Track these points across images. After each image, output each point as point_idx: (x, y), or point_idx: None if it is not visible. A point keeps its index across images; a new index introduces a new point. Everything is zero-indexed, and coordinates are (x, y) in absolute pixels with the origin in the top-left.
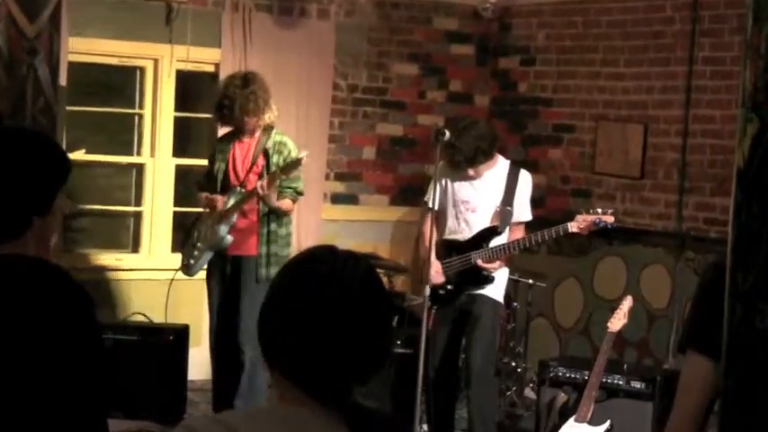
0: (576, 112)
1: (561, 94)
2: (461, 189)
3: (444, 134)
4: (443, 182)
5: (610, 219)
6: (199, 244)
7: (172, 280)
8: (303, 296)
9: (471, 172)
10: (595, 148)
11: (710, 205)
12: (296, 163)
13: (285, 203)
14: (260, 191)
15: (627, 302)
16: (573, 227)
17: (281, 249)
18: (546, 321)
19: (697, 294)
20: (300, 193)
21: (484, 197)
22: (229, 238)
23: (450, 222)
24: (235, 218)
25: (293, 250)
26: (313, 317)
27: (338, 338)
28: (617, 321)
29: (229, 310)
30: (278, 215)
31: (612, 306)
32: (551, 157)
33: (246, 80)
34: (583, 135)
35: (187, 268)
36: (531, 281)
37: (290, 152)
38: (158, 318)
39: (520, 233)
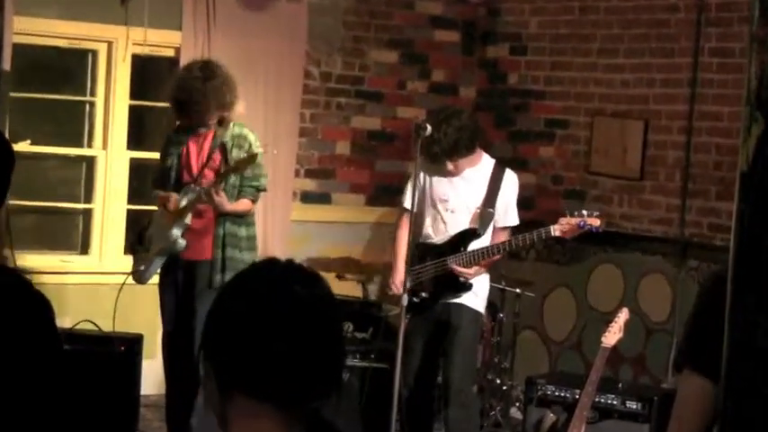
0: (570, 107)
1: (554, 86)
2: (439, 186)
3: (426, 129)
4: (422, 179)
5: (595, 222)
6: (151, 248)
7: (122, 284)
8: (241, 304)
9: (450, 166)
10: (591, 146)
11: (716, 210)
12: (249, 159)
13: (241, 204)
14: (207, 194)
15: (623, 315)
16: (556, 230)
17: (240, 253)
18: (534, 334)
19: (695, 307)
20: (263, 190)
21: (463, 196)
22: (183, 241)
23: (428, 223)
24: (188, 219)
25: (258, 253)
26: (250, 325)
27: (277, 348)
28: (612, 335)
29: (183, 320)
30: (236, 215)
31: (607, 318)
32: (542, 155)
33: (209, 70)
34: (577, 131)
35: (138, 275)
36: (518, 290)
37: (250, 146)
38: (109, 326)
39: (504, 238)
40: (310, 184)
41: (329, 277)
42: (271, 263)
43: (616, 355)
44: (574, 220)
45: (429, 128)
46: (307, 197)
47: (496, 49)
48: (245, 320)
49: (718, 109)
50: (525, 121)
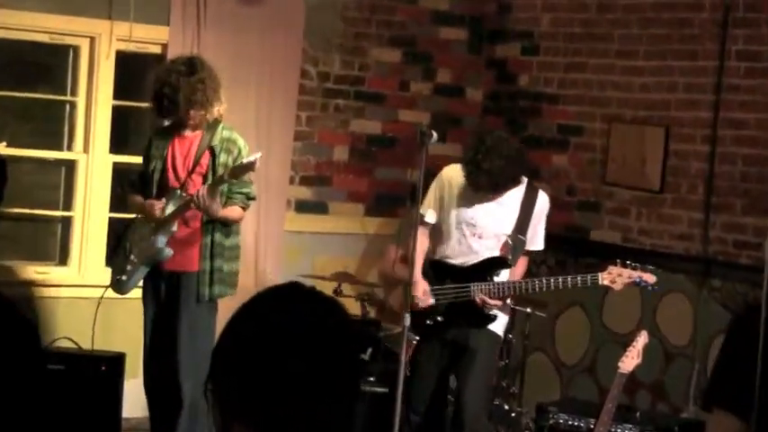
0: (585, 112)
1: (568, 89)
2: (468, 209)
3: (431, 136)
4: (446, 191)
5: (651, 279)
6: (132, 257)
7: (101, 297)
8: (262, 342)
9: (491, 196)
10: (607, 155)
11: (741, 225)
12: (246, 167)
13: (233, 211)
14: (200, 201)
15: (642, 338)
16: (604, 279)
17: (226, 264)
18: (545, 357)
19: (726, 340)
20: (252, 198)
21: (495, 223)
22: (168, 250)
23: (449, 244)
24: (175, 227)
25: (248, 266)
26: (262, 351)
27: (288, 375)
28: (630, 361)
29: (165, 337)
30: (224, 224)
31: (623, 341)
32: (555, 164)
33: (192, 66)
34: (593, 138)
35: (118, 285)
36: (528, 309)
37: (239, 151)
38: (89, 344)
39: (523, 264)
40: (305, 192)
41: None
42: (292, 288)
43: (633, 381)
44: (626, 273)
45: (435, 135)
46: (301, 206)
47: (506, 49)
48: (256, 346)
49: (744, 116)
50: (537, 126)
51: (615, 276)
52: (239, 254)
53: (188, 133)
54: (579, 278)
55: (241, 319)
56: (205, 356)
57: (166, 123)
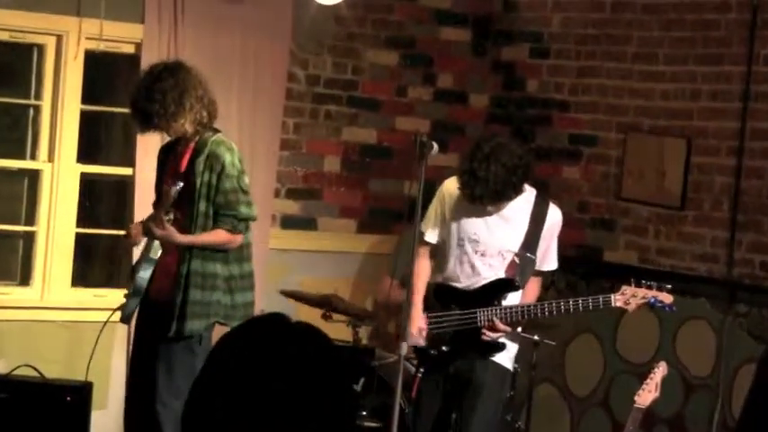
0: (599, 121)
1: (581, 96)
2: (470, 224)
3: (432, 147)
4: (445, 206)
5: (668, 299)
6: (130, 285)
7: (104, 324)
8: (243, 382)
9: (490, 208)
10: (623, 168)
11: None
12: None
13: (211, 236)
14: (154, 230)
15: (660, 370)
16: (618, 301)
17: (207, 295)
18: (554, 389)
19: (754, 383)
20: (246, 219)
21: (498, 238)
22: (143, 278)
23: (452, 265)
24: (157, 253)
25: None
26: (252, 404)
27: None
28: (647, 394)
29: (143, 372)
30: (211, 250)
31: (639, 371)
32: (566, 177)
33: (162, 73)
34: (607, 150)
35: (121, 315)
36: (536, 337)
37: (223, 167)
38: (53, 372)
39: (536, 285)
40: (292, 207)
41: (313, 317)
42: (273, 321)
43: (650, 416)
44: (641, 293)
45: (435, 146)
46: (288, 221)
47: (513, 51)
48: (233, 384)
49: None
50: (546, 136)
51: (629, 297)
52: (247, 284)
53: (180, 148)
54: (591, 300)
55: (219, 354)
56: (184, 396)
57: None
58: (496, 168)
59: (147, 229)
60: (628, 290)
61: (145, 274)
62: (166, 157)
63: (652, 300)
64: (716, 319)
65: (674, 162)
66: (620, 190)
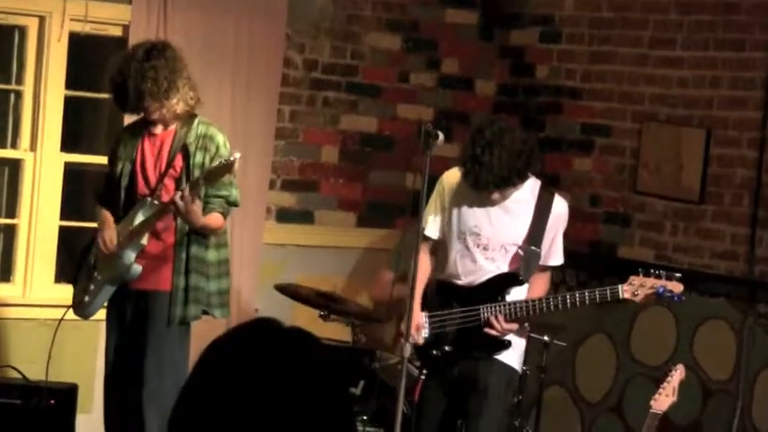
0: (613, 109)
1: (594, 83)
2: (470, 214)
3: (437, 137)
4: (446, 199)
5: (678, 288)
6: (96, 274)
7: (59, 321)
8: (233, 389)
9: (497, 196)
10: (638, 159)
11: None
12: (224, 168)
13: (213, 219)
14: (179, 204)
15: (678, 374)
16: (625, 292)
17: (207, 282)
18: (564, 392)
19: None
20: (234, 204)
21: (500, 230)
22: (137, 267)
23: (452, 259)
24: (145, 240)
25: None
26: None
27: None
28: (663, 398)
29: (129, 366)
30: (203, 235)
31: (654, 374)
32: (577, 169)
33: (149, 51)
34: (622, 140)
35: (80, 308)
36: (545, 337)
37: (218, 149)
38: (36, 374)
39: (544, 281)
40: (288, 199)
41: (310, 316)
42: (264, 326)
43: (666, 422)
44: (649, 283)
45: (441, 136)
46: (283, 215)
47: (522, 35)
48: (221, 392)
49: None
50: (557, 125)
51: (637, 288)
52: (228, 270)
53: (159, 130)
54: (598, 292)
55: (208, 360)
56: (173, 389)
57: (136, 118)
58: (500, 153)
59: (153, 210)
60: (636, 280)
61: (132, 262)
62: (135, 140)
63: (660, 289)
64: (736, 320)
65: (692, 154)
66: (635, 183)
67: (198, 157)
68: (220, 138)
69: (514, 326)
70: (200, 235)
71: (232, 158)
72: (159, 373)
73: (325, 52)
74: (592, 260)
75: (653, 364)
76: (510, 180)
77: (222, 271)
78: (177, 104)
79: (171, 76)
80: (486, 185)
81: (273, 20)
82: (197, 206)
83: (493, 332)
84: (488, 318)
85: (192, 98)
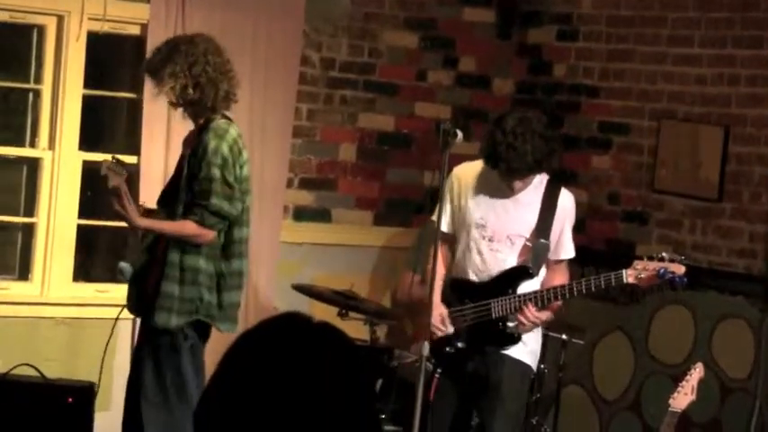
0: (631, 107)
1: (612, 81)
2: (477, 209)
3: (456, 135)
4: (456, 194)
5: (680, 269)
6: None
7: (116, 319)
8: (261, 382)
9: (519, 185)
10: (656, 157)
11: None
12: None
13: (179, 225)
14: (114, 205)
15: (697, 372)
16: (629, 276)
17: (187, 290)
18: (582, 391)
19: None
20: (217, 214)
21: (507, 223)
22: (127, 269)
23: (461, 255)
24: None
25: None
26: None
27: None
28: (682, 397)
29: (136, 367)
30: (184, 242)
31: (672, 372)
32: (596, 167)
33: (183, 39)
34: (640, 138)
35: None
36: (563, 336)
37: (204, 154)
38: (54, 372)
39: (561, 275)
40: (306, 197)
41: (328, 315)
42: (290, 320)
43: (685, 420)
44: (652, 266)
45: (460, 134)
46: (301, 213)
47: (540, 33)
48: (252, 389)
49: None
50: (575, 123)
51: (641, 271)
52: (235, 283)
53: (191, 129)
54: (603, 278)
55: (233, 354)
56: (168, 403)
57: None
58: (533, 139)
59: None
60: (639, 264)
61: (125, 265)
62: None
63: (662, 271)
64: (755, 319)
65: (710, 151)
66: (653, 181)
67: (191, 162)
68: (213, 143)
69: (544, 314)
70: (181, 242)
71: (208, 166)
72: (154, 380)
73: (343, 50)
74: (609, 258)
75: (671, 362)
76: (541, 166)
77: (225, 284)
78: (168, 93)
79: (161, 62)
80: (516, 172)
81: (291, 18)
82: (127, 209)
83: (525, 320)
84: (499, 312)
85: (190, 94)
